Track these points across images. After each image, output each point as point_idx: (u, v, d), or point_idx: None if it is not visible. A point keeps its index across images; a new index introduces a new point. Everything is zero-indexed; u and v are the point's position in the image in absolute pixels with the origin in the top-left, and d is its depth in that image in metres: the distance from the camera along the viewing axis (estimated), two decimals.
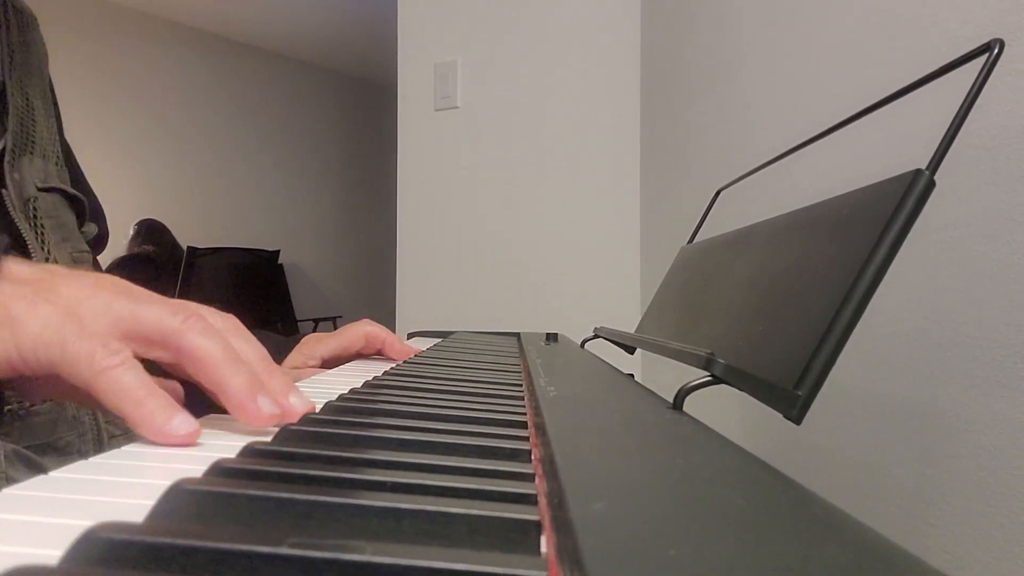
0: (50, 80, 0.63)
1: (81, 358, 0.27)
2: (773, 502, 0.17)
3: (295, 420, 0.28)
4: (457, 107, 1.62)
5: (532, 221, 1.54)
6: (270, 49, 4.34)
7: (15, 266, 0.31)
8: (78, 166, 0.65)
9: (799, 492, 0.18)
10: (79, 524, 0.14)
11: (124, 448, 0.24)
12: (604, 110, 1.49)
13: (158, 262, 3.30)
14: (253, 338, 0.33)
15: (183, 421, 0.26)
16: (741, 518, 0.16)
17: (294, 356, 0.66)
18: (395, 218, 1.70)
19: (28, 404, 0.46)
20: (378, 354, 0.67)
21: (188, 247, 3.46)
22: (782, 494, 0.18)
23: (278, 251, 4.11)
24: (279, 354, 0.66)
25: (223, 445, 0.26)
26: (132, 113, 3.68)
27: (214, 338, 0.29)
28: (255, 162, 4.25)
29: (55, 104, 0.63)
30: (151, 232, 3.38)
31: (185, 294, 3.39)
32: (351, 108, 4.75)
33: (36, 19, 0.61)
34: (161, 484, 0.17)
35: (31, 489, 0.18)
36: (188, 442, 0.25)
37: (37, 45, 0.61)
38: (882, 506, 0.56)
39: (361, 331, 0.66)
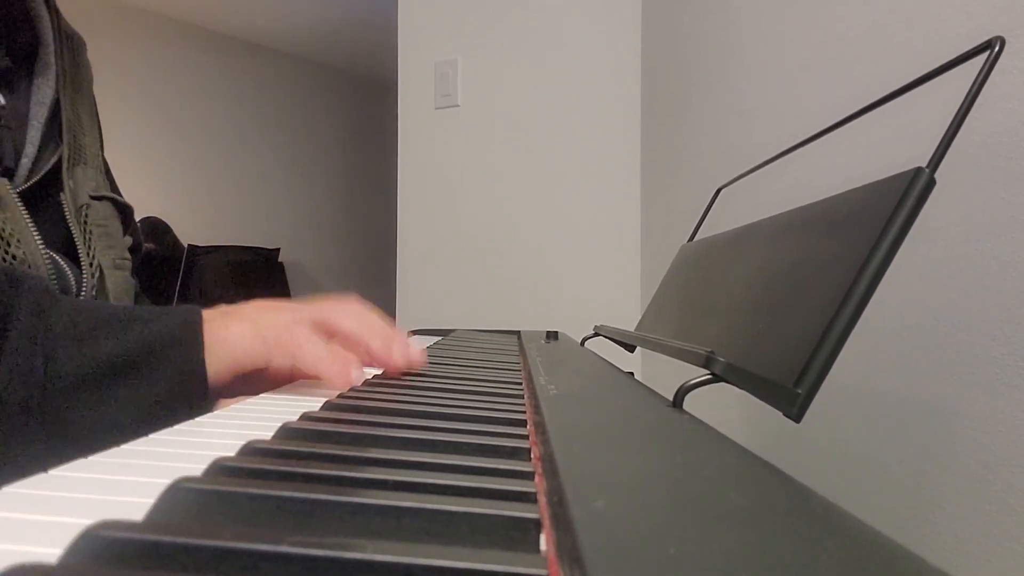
0: (94, 99, 0.67)
1: (284, 342, 0.40)
2: (773, 500, 0.17)
3: (415, 367, 0.45)
4: (458, 105, 1.62)
5: (532, 219, 1.54)
6: (271, 46, 4.34)
7: (203, 311, 0.41)
8: (114, 182, 0.68)
9: (799, 490, 0.18)
10: (79, 522, 0.14)
11: (123, 447, 0.24)
12: (605, 108, 1.48)
13: (159, 260, 3.30)
14: (374, 316, 0.47)
15: (358, 374, 0.39)
16: (741, 516, 0.16)
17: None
18: (395, 216, 1.70)
19: None
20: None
21: (188, 245, 3.46)
22: (782, 492, 0.18)
23: (278, 249, 4.11)
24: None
25: (223, 444, 0.26)
26: (132, 111, 3.68)
27: (355, 319, 0.45)
28: (256, 160, 4.25)
29: (98, 123, 0.68)
30: (154, 230, 3.37)
31: (185, 293, 3.39)
32: (352, 106, 4.74)
33: (84, 44, 0.67)
34: (161, 483, 0.17)
35: (31, 487, 0.18)
36: (358, 382, 0.39)
37: (85, 67, 0.66)
38: (882, 504, 0.56)
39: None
